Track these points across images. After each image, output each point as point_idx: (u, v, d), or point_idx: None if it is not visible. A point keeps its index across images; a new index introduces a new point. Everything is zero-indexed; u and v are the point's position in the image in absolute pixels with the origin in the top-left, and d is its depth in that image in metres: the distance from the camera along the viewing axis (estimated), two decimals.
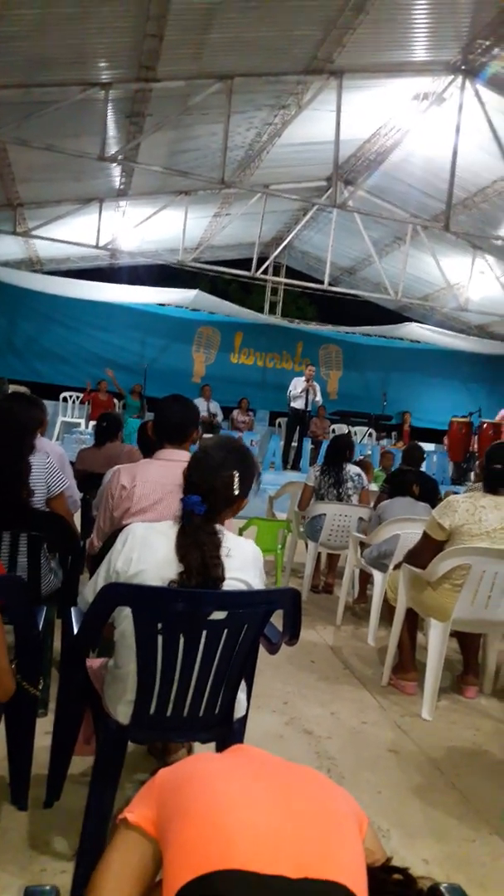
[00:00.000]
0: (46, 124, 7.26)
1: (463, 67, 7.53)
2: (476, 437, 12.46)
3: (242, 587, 1.85)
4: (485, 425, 12.47)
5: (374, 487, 6.53)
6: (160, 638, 1.76)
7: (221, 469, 1.89)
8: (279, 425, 13.52)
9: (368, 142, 9.67)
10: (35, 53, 6.47)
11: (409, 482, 4.71)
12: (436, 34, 7.01)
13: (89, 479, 4.30)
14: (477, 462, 10.56)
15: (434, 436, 13.82)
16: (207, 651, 1.79)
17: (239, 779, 1.01)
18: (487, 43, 6.99)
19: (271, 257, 12.24)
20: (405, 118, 8.74)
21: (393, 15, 6.53)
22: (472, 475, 10.65)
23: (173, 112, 7.49)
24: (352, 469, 5.57)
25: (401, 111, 8.63)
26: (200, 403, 12.26)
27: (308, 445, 11.70)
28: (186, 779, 1.03)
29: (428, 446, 12.49)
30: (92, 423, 10.96)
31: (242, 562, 1.87)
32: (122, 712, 1.83)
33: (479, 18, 6.62)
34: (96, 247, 10.44)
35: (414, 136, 9.03)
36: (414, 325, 14.28)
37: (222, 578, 1.80)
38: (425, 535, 3.41)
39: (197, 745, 2.39)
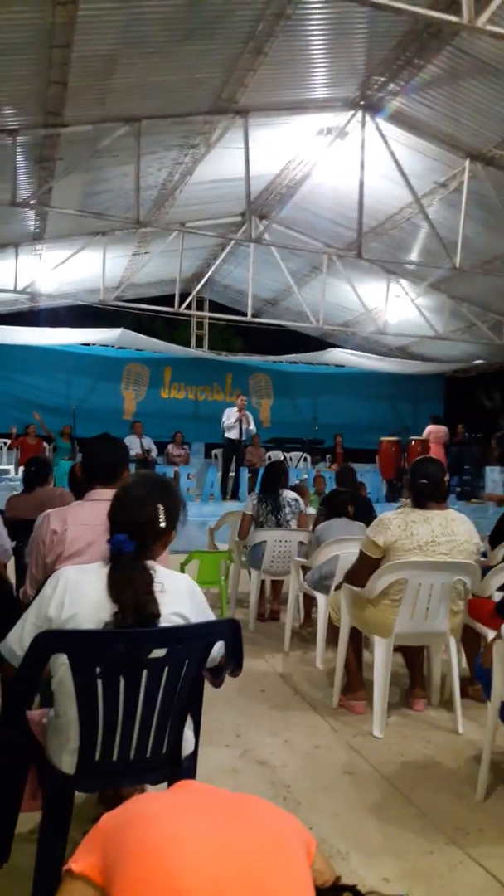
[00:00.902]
0: None
1: (362, 103, 7.88)
2: (406, 454, 12.80)
3: (180, 621, 1.84)
4: (413, 442, 12.84)
5: (311, 511, 6.61)
6: (100, 682, 1.73)
7: (145, 504, 1.88)
8: (215, 456, 13.54)
9: (278, 176, 9.95)
10: None
11: (344, 503, 4.80)
12: (333, 72, 7.33)
13: (20, 527, 4.19)
14: (404, 478, 10.81)
15: (366, 456, 14.11)
16: (149, 690, 1.77)
17: (182, 816, 1.01)
18: (383, 79, 7.35)
19: (193, 292, 12.37)
20: (312, 152, 9.06)
21: (291, 55, 6.79)
22: (404, 491, 10.88)
23: (83, 155, 7.54)
24: (288, 494, 5.63)
25: (307, 146, 8.93)
26: (133, 440, 12.15)
27: (245, 474, 11.74)
28: (129, 822, 1.02)
29: (362, 466, 12.74)
30: (21, 468, 10.71)
31: (177, 595, 1.86)
32: (67, 762, 1.79)
33: (372, 55, 6.96)
34: (15, 291, 10.32)
35: (322, 169, 9.35)
36: (337, 350, 14.65)
37: (158, 615, 1.79)
38: (361, 554, 3.47)
39: (148, 787, 2.34)
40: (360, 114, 8.02)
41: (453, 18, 4.66)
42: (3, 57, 5.88)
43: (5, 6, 5.25)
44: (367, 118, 8.00)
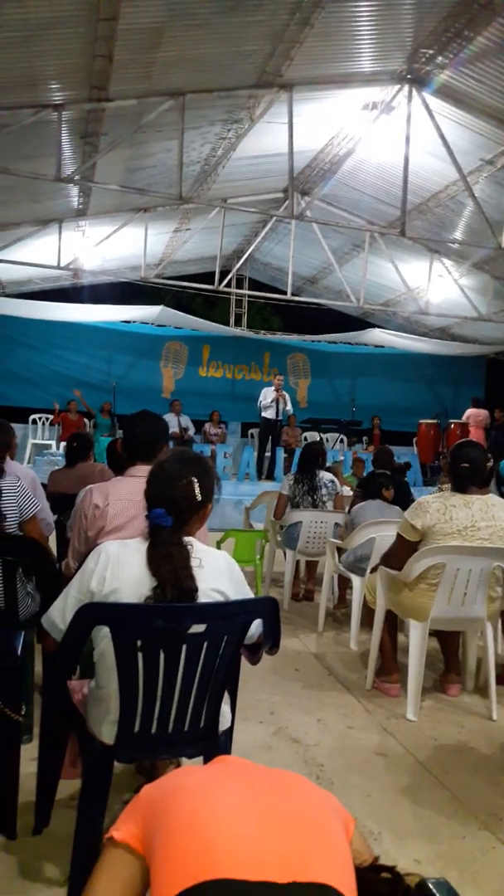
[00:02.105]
0: (1, 147, 7.24)
1: (409, 77, 7.68)
2: (445, 437, 12.64)
3: (219, 598, 1.86)
4: (452, 426, 12.66)
5: (347, 492, 6.58)
6: (140, 655, 1.76)
7: (179, 479, 1.90)
8: (251, 436, 13.54)
9: (322, 152, 9.79)
10: None
11: (380, 485, 4.77)
12: (380, 45, 7.15)
13: (62, 501, 4.27)
14: (442, 461, 10.69)
15: (404, 438, 13.97)
16: (188, 665, 1.79)
17: (222, 789, 1.02)
18: (431, 52, 7.14)
19: (233, 270, 12.31)
20: (356, 127, 8.88)
21: (338, 27, 6.64)
22: (441, 476, 10.77)
23: (127, 130, 7.52)
24: (325, 476, 5.61)
25: (352, 120, 8.76)
26: (171, 418, 12.24)
27: (281, 455, 11.73)
28: (170, 793, 1.03)
29: (399, 449, 12.61)
30: (63, 443, 10.88)
31: (215, 572, 1.88)
32: (107, 733, 1.82)
33: (421, 28, 6.77)
34: (58, 267, 10.39)
35: (366, 145, 9.17)
36: (377, 330, 14.46)
37: (196, 590, 1.80)
38: (399, 537, 3.45)
39: (184, 761, 2.38)
40: (406, 88, 7.83)
41: None
42: (49, 31, 5.86)
43: None
44: (414, 92, 7.81)
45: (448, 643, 3.73)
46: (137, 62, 6.63)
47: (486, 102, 7.72)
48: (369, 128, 8.64)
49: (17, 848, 2.09)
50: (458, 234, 10.79)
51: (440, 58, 7.19)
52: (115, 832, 1.05)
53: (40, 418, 12.84)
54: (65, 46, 6.20)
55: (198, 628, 1.78)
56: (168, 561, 1.79)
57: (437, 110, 7.86)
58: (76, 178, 8.14)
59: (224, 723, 1.96)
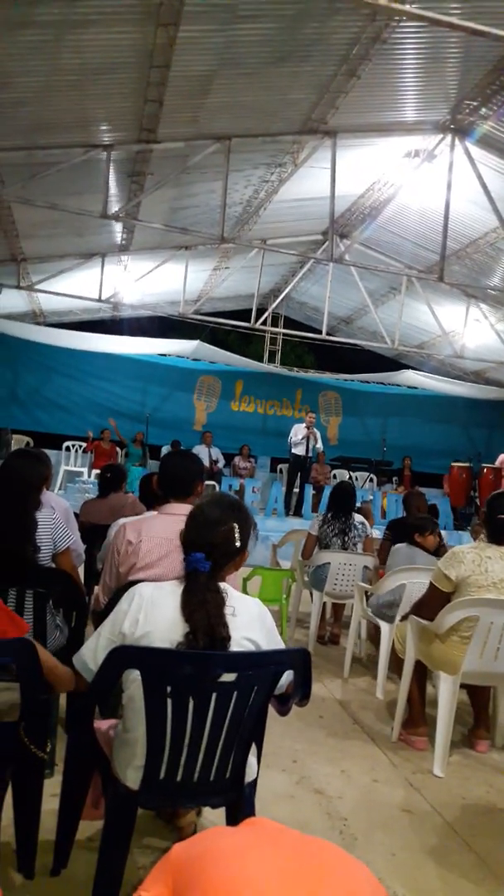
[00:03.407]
0: (50, 184, 7.49)
1: (452, 126, 7.79)
2: (477, 482, 12.49)
3: (250, 647, 1.85)
4: (485, 470, 12.51)
5: (378, 534, 6.52)
6: (169, 701, 1.75)
7: (219, 524, 1.90)
8: (280, 471, 13.54)
9: (362, 197, 9.93)
10: (39, 118, 6.70)
11: (416, 529, 4.68)
12: (425, 96, 7.28)
13: (93, 531, 4.30)
14: (478, 511, 10.54)
15: (435, 480, 13.83)
16: (217, 714, 1.77)
17: (253, 856, 1.00)
18: (475, 104, 7.24)
19: (270, 308, 12.45)
20: (398, 174, 9.00)
21: (384, 79, 6.79)
22: (473, 522, 10.62)
23: (173, 171, 7.72)
24: (356, 517, 5.57)
25: (393, 167, 8.88)
26: (202, 450, 12.31)
27: (310, 491, 11.69)
28: (200, 855, 1.02)
29: (430, 491, 12.48)
30: (95, 471, 11.00)
31: (248, 620, 1.87)
32: (132, 777, 1.81)
33: (466, 81, 6.88)
34: (99, 300, 10.63)
35: (407, 191, 9.28)
36: (411, 371, 14.45)
37: (229, 638, 1.80)
38: (432, 587, 3.40)
39: (207, 810, 2.35)
40: (448, 137, 7.93)
41: None
42: (103, 76, 6.09)
43: (109, 26, 5.45)
44: (457, 141, 7.91)
45: (478, 697, 3.63)
46: (186, 107, 6.84)
47: None
48: (411, 174, 8.75)
49: (35, 889, 2.07)
50: (496, 280, 10.80)
51: (484, 109, 7.28)
52: (144, 892, 1.03)
53: (73, 445, 13.01)
54: (117, 91, 6.43)
55: (228, 677, 1.76)
56: (202, 607, 1.78)
57: (478, 159, 7.94)
58: (121, 215, 8.36)
59: (250, 774, 1.93)
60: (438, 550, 4.43)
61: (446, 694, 3.26)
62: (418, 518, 4.91)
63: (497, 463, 12.90)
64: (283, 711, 1.99)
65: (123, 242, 10.41)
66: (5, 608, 1.99)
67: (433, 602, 3.35)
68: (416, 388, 15.26)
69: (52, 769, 2.60)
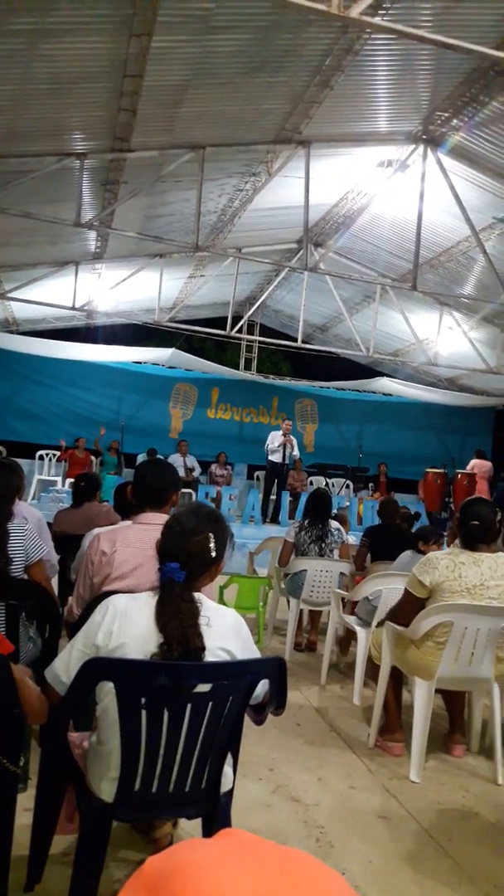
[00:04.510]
0: (23, 192, 7.44)
1: (424, 137, 7.90)
2: (451, 487, 12.61)
3: (226, 657, 1.84)
4: (459, 476, 12.64)
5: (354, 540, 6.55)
6: (144, 713, 1.74)
7: (195, 534, 1.90)
8: (257, 478, 13.56)
9: (336, 206, 10.01)
10: (12, 126, 6.66)
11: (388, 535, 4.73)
12: (397, 107, 7.37)
13: (67, 541, 4.26)
14: (453, 516, 10.63)
15: (410, 486, 13.94)
16: (192, 725, 1.77)
17: (231, 870, 0.99)
18: (446, 115, 7.35)
19: (245, 316, 12.48)
20: (371, 183, 9.09)
21: (356, 90, 6.86)
22: (448, 528, 10.73)
23: (147, 180, 7.72)
24: (332, 524, 5.60)
25: (367, 177, 8.98)
26: (177, 459, 12.28)
27: (287, 498, 11.72)
28: (174, 870, 1.01)
29: (405, 497, 12.60)
30: (69, 480, 10.92)
31: (223, 630, 1.87)
32: (106, 790, 1.79)
33: (437, 92, 6.98)
34: (73, 308, 10.57)
35: (380, 200, 9.38)
36: (386, 379, 14.58)
37: (203, 648, 1.79)
38: (407, 593, 3.42)
39: (183, 821, 2.33)
40: (421, 147, 8.04)
41: None
42: (77, 85, 6.08)
43: (83, 35, 5.45)
44: (429, 151, 8.02)
45: (454, 703, 3.66)
46: (160, 116, 6.85)
47: (499, 163, 7.91)
48: (384, 184, 8.84)
49: None
50: (468, 289, 10.95)
51: (455, 120, 7.39)
52: None
53: (47, 454, 12.91)
54: (91, 100, 6.42)
55: (203, 688, 1.76)
56: (177, 618, 1.78)
57: (451, 169, 8.05)
58: (95, 223, 8.34)
59: (226, 784, 1.92)
60: None
61: (422, 699, 3.28)
62: (425, 528, 4.97)
63: (468, 468, 13.06)
64: (259, 721, 1.99)
65: (97, 250, 10.37)
66: None
67: (408, 608, 3.37)
68: (391, 395, 15.40)
69: (26, 783, 2.57)
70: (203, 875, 0.97)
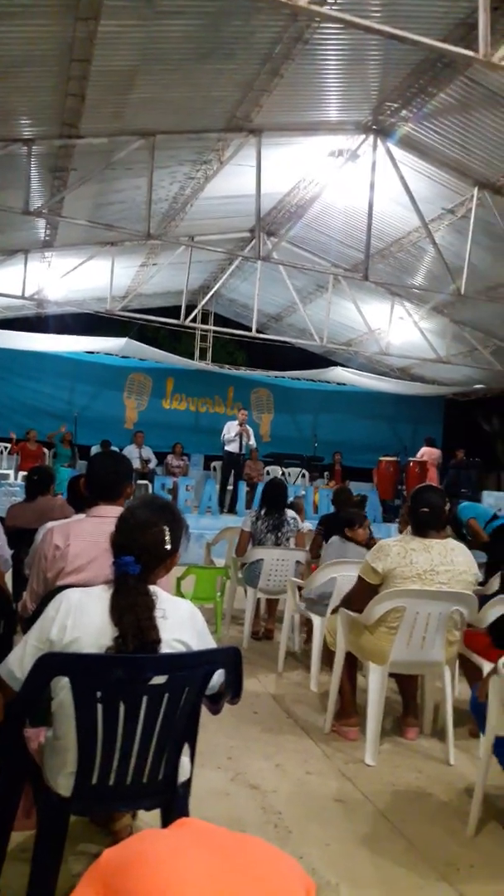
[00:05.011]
0: None
1: (374, 127, 7.96)
2: (404, 475, 12.82)
3: (182, 648, 1.85)
4: (411, 463, 12.86)
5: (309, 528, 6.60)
6: (100, 707, 1.73)
7: (149, 527, 1.90)
8: (214, 469, 13.55)
9: (289, 195, 10.03)
10: None
11: (348, 523, 4.77)
12: (347, 96, 7.41)
13: (20, 536, 4.19)
14: (403, 504, 10.82)
15: (364, 474, 14.13)
16: (148, 717, 1.77)
17: (184, 858, 1.01)
18: (396, 105, 7.43)
19: (199, 305, 12.43)
20: (322, 173, 9.13)
21: (306, 79, 6.87)
22: (400, 515, 10.92)
23: (97, 167, 7.60)
24: (288, 513, 5.64)
25: (318, 166, 9.01)
26: (132, 450, 12.18)
27: (244, 488, 11.75)
28: (131, 861, 1.02)
29: (360, 485, 12.75)
30: (21, 473, 10.73)
31: (179, 622, 1.88)
32: (64, 784, 1.78)
33: (386, 83, 7.04)
34: (22, 297, 10.36)
35: (332, 190, 9.43)
36: (340, 368, 14.71)
37: (159, 641, 1.80)
38: (360, 580, 3.47)
39: (141, 812, 2.34)
40: (371, 138, 8.10)
41: (469, 53, 4.71)
42: (22, 68, 5.94)
43: (28, 18, 5.32)
44: (379, 142, 8.08)
45: (407, 686, 3.74)
46: (109, 102, 6.75)
47: (448, 155, 8.04)
48: (335, 174, 8.89)
49: None
50: (419, 279, 11.11)
51: (404, 111, 7.48)
52: None
53: None
54: (38, 84, 6.28)
55: (159, 679, 1.76)
56: (132, 611, 1.77)
57: (400, 160, 8.14)
58: (44, 211, 8.19)
59: (183, 774, 1.93)
60: (369, 543, 4.53)
61: (376, 684, 3.34)
62: (349, 512, 5.02)
63: (418, 456, 13.30)
64: (216, 710, 2.00)
65: (47, 238, 10.18)
66: None
67: (361, 594, 3.43)
68: (344, 384, 15.55)
69: None
70: (159, 865, 0.98)
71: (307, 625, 5.20)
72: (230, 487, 11.89)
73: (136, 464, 11.75)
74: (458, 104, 6.98)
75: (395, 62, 6.59)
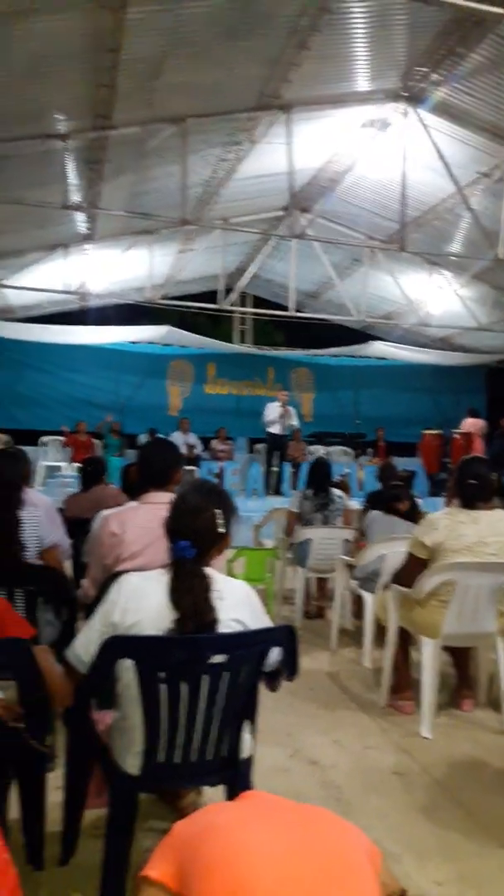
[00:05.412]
0: (9, 177, 7.39)
1: (405, 94, 7.80)
2: (449, 447, 12.66)
3: (238, 627, 1.91)
4: (456, 436, 12.68)
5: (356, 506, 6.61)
6: (163, 687, 1.81)
7: (201, 511, 1.96)
8: (258, 451, 13.60)
9: (321, 170, 9.91)
10: None
11: (393, 498, 4.77)
12: (375, 64, 7.28)
13: (78, 525, 4.32)
14: (450, 477, 10.69)
15: (408, 449, 13.98)
16: (210, 695, 1.84)
17: (255, 828, 1.06)
18: (425, 69, 7.26)
19: (236, 288, 12.41)
20: (354, 145, 9.00)
21: (334, 49, 6.78)
22: (446, 488, 10.80)
23: (131, 156, 7.66)
24: (334, 492, 5.67)
25: (350, 138, 8.88)
26: (178, 437, 12.31)
27: (288, 469, 11.78)
28: (203, 832, 1.08)
29: (403, 460, 12.63)
30: (74, 464, 10.98)
31: (235, 602, 1.94)
32: (132, 763, 1.87)
33: (414, 47, 6.89)
34: (65, 292, 10.53)
35: (364, 162, 9.30)
36: (379, 342, 14.54)
37: (216, 621, 1.86)
38: (409, 555, 3.49)
39: (206, 789, 2.43)
40: (402, 105, 7.94)
41: (499, 10, 4.58)
42: (54, 64, 6.01)
43: (55, 13, 5.37)
44: (410, 109, 7.92)
45: (460, 658, 3.76)
46: (140, 90, 6.78)
47: (481, 117, 7.84)
48: (367, 145, 8.77)
49: (46, 878, 2.13)
50: (456, 247, 10.89)
51: (435, 75, 7.31)
52: (150, 871, 1.08)
53: (50, 440, 12.95)
54: (69, 78, 6.35)
55: (218, 658, 1.83)
56: (189, 593, 1.84)
57: (432, 126, 7.97)
58: (82, 204, 8.28)
59: (246, 751, 2.00)
60: (414, 515, 4.53)
61: (429, 658, 3.37)
62: (391, 486, 5.04)
63: (463, 427, 13.09)
64: (273, 687, 2.06)
65: (86, 231, 10.29)
66: (11, 610, 2.03)
67: (411, 569, 3.45)
68: (384, 358, 15.37)
69: (54, 763, 2.66)
70: (229, 835, 1.04)
71: (357, 602, 5.25)
72: (275, 469, 11.92)
73: (183, 450, 11.89)
74: (490, 63, 6.81)
75: (422, 24, 6.44)
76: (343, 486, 6.40)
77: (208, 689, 1.83)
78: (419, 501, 5.56)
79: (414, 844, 2.40)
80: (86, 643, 1.90)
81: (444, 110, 7.89)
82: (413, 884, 2.13)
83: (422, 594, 3.37)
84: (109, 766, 1.95)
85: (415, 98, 7.82)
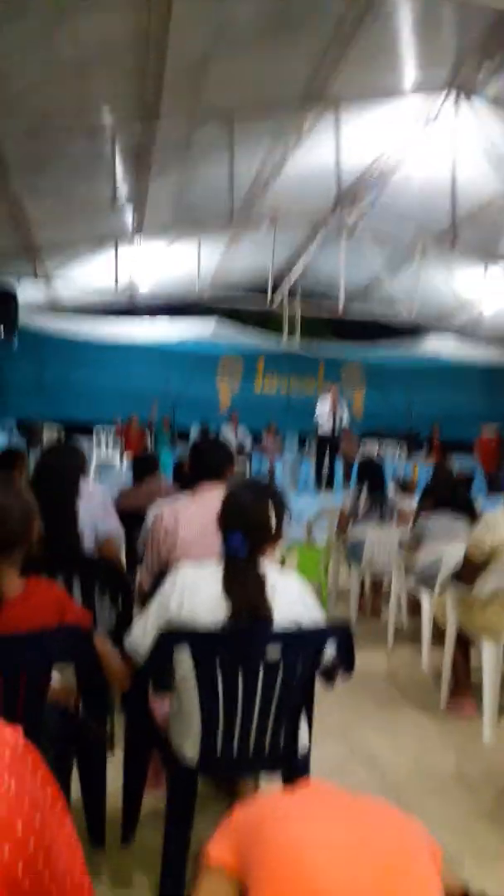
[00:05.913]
0: (59, 173, 7.49)
1: (456, 86, 7.60)
2: None
3: (293, 621, 1.89)
4: None
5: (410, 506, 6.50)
6: (220, 679, 1.80)
7: (254, 506, 1.94)
8: (308, 447, 13.52)
9: (370, 165, 9.75)
10: (41, 106, 6.66)
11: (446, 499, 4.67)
12: (425, 56, 7.10)
13: (132, 517, 4.36)
14: None
15: (463, 447, 13.69)
16: (266, 689, 1.83)
17: (314, 818, 1.04)
18: (477, 61, 7.06)
19: (284, 284, 12.35)
20: (404, 139, 8.82)
21: (381, 41, 6.61)
22: None
23: (178, 152, 7.67)
24: (387, 491, 5.58)
25: (399, 132, 8.70)
26: (228, 432, 12.36)
27: (339, 466, 11.68)
28: (263, 818, 1.06)
29: (461, 459, 12.35)
30: (127, 458, 11.18)
31: (289, 598, 1.92)
32: (190, 752, 1.87)
33: (464, 37, 6.70)
34: (115, 288, 10.63)
35: (414, 156, 9.09)
36: (431, 338, 14.28)
37: (271, 616, 1.84)
38: (468, 556, 3.39)
39: (263, 783, 2.39)
40: (453, 97, 7.75)
41: None
42: (101, 58, 6.05)
43: (102, 11, 5.41)
44: (462, 101, 7.72)
45: None
46: (186, 86, 6.76)
47: None
48: (417, 139, 8.58)
49: (108, 859, 2.16)
50: None
51: (486, 64, 7.09)
52: (210, 856, 1.07)
53: (104, 434, 13.16)
54: (117, 74, 6.38)
55: (273, 654, 1.82)
56: (244, 588, 1.84)
57: (486, 118, 7.75)
58: (130, 200, 8.34)
59: (303, 745, 1.98)
60: (471, 515, 4.41)
61: (490, 661, 3.26)
62: (449, 485, 4.93)
63: None
64: (329, 685, 2.03)
65: (134, 227, 10.36)
66: (69, 598, 2.04)
67: (471, 570, 3.35)
68: (437, 355, 15.09)
69: (112, 748, 2.68)
70: (290, 822, 1.02)
71: (413, 602, 5.14)
72: (326, 466, 11.83)
73: (232, 444, 11.91)
74: None
75: (474, 13, 6.23)
76: (409, 487, 6.30)
77: (264, 683, 1.82)
78: (477, 501, 5.43)
79: (475, 847, 2.33)
80: (142, 633, 1.92)
81: (496, 101, 7.66)
82: (475, 884, 2.06)
83: (481, 597, 3.27)
84: (168, 754, 1.96)
85: (466, 89, 7.61)
